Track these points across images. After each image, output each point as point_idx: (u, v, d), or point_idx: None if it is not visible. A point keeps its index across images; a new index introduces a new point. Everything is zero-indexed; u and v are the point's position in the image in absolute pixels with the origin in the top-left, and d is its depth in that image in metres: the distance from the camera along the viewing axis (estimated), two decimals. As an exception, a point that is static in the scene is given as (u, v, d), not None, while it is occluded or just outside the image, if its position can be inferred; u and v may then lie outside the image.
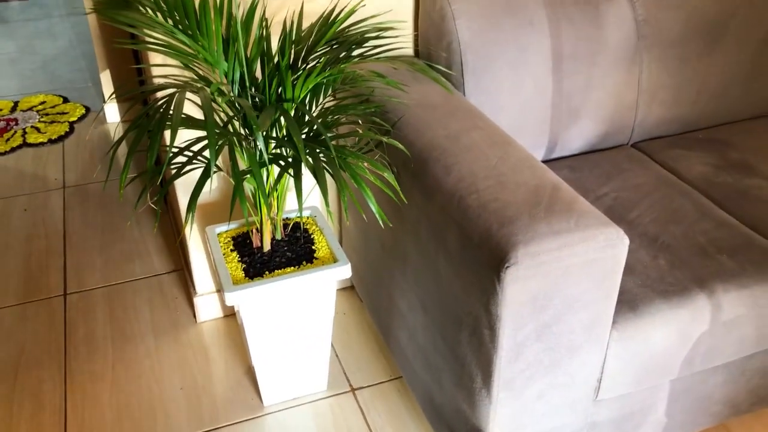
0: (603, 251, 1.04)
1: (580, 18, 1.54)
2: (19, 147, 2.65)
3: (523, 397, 1.14)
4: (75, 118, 2.85)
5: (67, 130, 2.77)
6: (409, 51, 1.64)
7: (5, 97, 3.06)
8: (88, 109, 2.94)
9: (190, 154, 1.30)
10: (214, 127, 1.05)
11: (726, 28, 1.67)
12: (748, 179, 1.54)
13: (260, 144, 1.09)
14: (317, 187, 1.32)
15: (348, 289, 1.94)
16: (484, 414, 1.16)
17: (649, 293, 1.22)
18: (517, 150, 1.22)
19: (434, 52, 1.55)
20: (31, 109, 2.94)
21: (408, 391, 1.62)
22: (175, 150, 1.23)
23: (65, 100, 3.01)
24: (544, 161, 1.64)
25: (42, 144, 2.67)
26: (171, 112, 1.07)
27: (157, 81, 1.49)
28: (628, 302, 1.20)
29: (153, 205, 1.84)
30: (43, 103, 2.99)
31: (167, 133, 1.55)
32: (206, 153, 1.34)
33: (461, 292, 1.13)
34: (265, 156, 1.15)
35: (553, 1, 1.52)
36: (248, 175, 1.29)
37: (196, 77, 1.28)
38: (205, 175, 1.11)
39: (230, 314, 1.86)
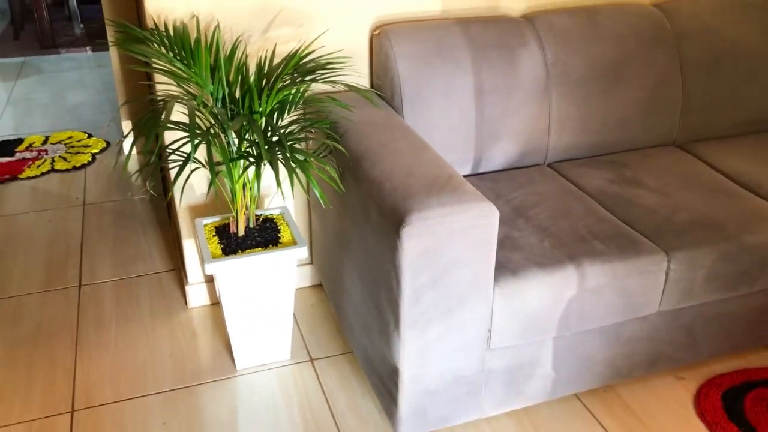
0: (478, 220, 1.40)
1: (498, 59, 1.93)
2: (48, 172, 3.07)
3: (425, 337, 1.48)
4: (97, 150, 3.28)
5: (90, 159, 3.19)
6: (365, 83, 2.04)
7: (38, 133, 3.51)
8: (108, 144, 3.37)
9: (180, 151, 1.69)
10: (195, 126, 1.43)
11: (624, 71, 2.05)
12: (634, 190, 1.90)
13: (232, 140, 1.48)
14: (279, 185, 1.70)
15: (317, 286, 2.29)
16: (396, 352, 1.50)
17: (529, 264, 1.57)
18: (430, 154, 1.60)
19: (382, 84, 1.94)
20: (59, 142, 3.37)
21: (356, 361, 1.95)
22: (169, 146, 1.61)
23: (89, 136, 3.45)
24: (471, 175, 2.01)
25: (67, 170, 3.09)
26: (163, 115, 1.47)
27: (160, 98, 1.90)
28: (511, 269, 1.54)
29: (151, 191, 2.22)
30: (70, 137, 3.43)
31: (167, 135, 1.94)
32: (188, 147, 1.73)
33: (380, 254, 1.49)
34: (234, 151, 1.53)
35: (476, 45, 1.92)
36: (223, 168, 1.67)
37: (188, 94, 1.68)
38: (185, 162, 1.49)
39: (216, 302, 2.21)
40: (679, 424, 1.74)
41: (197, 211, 2.06)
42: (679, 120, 2.16)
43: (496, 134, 1.97)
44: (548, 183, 1.94)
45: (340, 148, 1.66)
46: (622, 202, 1.85)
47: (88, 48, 5.06)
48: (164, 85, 1.86)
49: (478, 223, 1.40)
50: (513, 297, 1.52)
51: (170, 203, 2.63)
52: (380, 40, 1.91)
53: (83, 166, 3.14)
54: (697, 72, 2.14)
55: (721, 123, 2.21)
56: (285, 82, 1.68)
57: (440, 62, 1.89)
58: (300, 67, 1.72)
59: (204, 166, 1.78)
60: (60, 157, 3.21)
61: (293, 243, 1.80)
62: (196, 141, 1.45)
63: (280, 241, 1.82)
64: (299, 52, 1.73)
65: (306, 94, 1.75)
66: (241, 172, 1.66)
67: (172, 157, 1.88)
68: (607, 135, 2.09)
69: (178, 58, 1.66)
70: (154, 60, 1.69)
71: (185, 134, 1.80)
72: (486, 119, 1.95)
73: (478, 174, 2.01)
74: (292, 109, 1.74)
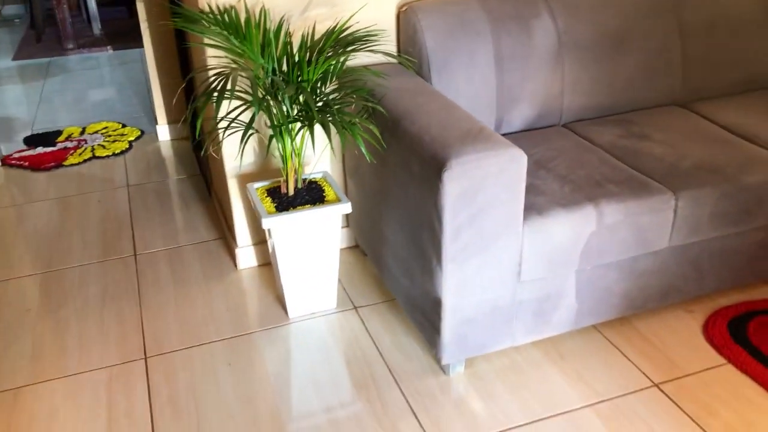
0: (509, 164, 1.60)
1: (515, 30, 2.14)
2: (90, 159, 3.28)
3: (464, 270, 1.69)
4: (133, 138, 3.49)
5: (127, 146, 3.40)
6: (407, 58, 2.25)
7: (74, 125, 3.72)
8: (142, 132, 3.58)
9: (239, 118, 1.89)
10: (257, 95, 1.64)
11: (627, 38, 2.25)
12: (642, 143, 2.10)
13: (287, 103, 1.68)
14: (331, 144, 1.88)
15: (353, 248, 2.49)
16: (439, 285, 1.70)
17: (553, 205, 1.77)
18: (460, 111, 1.80)
19: (409, 55, 2.15)
20: (96, 132, 3.58)
21: (396, 308, 2.16)
22: (226, 115, 1.82)
23: (123, 125, 3.66)
24: (494, 136, 2.21)
25: (108, 156, 3.30)
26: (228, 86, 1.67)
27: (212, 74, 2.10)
28: (537, 209, 1.75)
29: (214, 154, 2.42)
30: (105, 128, 3.64)
31: (222, 108, 2.15)
32: (242, 117, 1.93)
33: (421, 200, 1.69)
34: (288, 110, 1.74)
35: (494, 17, 2.12)
36: (276, 133, 1.88)
37: (243, 69, 1.89)
38: (248, 126, 1.70)
39: (264, 263, 2.42)
40: (690, 349, 1.95)
41: (244, 179, 2.26)
42: (680, 81, 2.36)
43: (515, 98, 2.17)
44: (564, 140, 2.14)
45: (381, 109, 1.86)
46: (631, 152, 2.05)
47: (108, 47, 5.27)
48: (215, 62, 2.06)
49: (509, 167, 1.61)
50: (540, 234, 1.72)
51: (209, 181, 2.84)
52: (407, 15, 2.11)
53: (122, 152, 3.35)
54: (694, 36, 2.34)
55: (719, 82, 2.41)
56: (328, 54, 1.88)
57: (463, 34, 2.09)
58: (339, 40, 1.92)
59: (257, 132, 1.99)
60: (99, 145, 3.42)
61: (337, 200, 2.01)
62: (258, 106, 1.66)
63: (325, 199, 2.02)
64: (337, 28, 1.93)
65: (344, 66, 1.95)
66: (294, 134, 1.87)
67: (224, 125, 2.08)
68: (615, 96, 2.29)
69: (233, 36, 1.86)
70: (210, 37, 1.89)
71: (241, 103, 2.00)
72: (506, 85, 2.15)
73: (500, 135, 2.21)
74: (333, 79, 1.94)
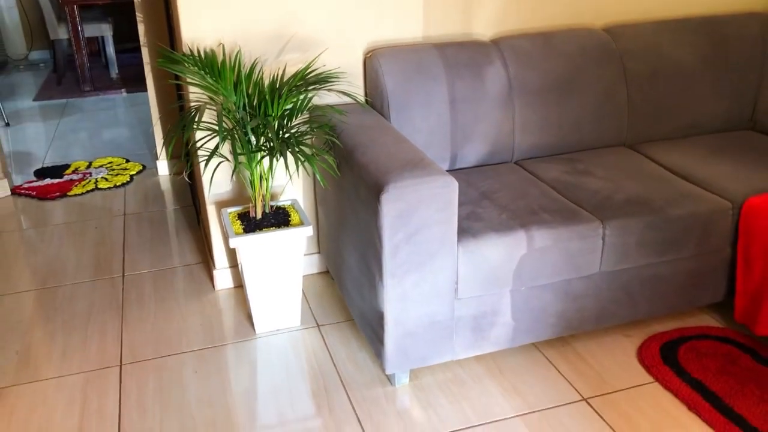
0: (441, 189, 1.80)
1: (468, 75, 2.36)
2: (92, 190, 3.53)
3: (403, 285, 1.86)
4: (135, 172, 3.74)
5: (128, 180, 3.65)
6: (361, 97, 2.47)
7: (82, 159, 3.99)
8: (144, 167, 3.83)
9: (204, 144, 2.11)
10: (222, 126, 1.86)
11: (575, 83, 2.46)
12: (583, 178, 2.29)
13: (250, 133, 1.90)
14: (287, 171, 2.07)
15: (324, 273, 2.68)
16: (381, 298, 1.88)
17: (487, 230, 1.95)
18: (408, 145, 2.01)
19: (373, 96, 2.37)
20: (101, 166, 3.84)
21: (356, 327, 2.33)
22: (198, 142, 2.04)
23: (127, 161, 3.92)
24: (448, 170, 2.41)
25: (109, 188, 3.55)
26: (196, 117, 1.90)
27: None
28: (473, 233, 1.93)
29: (187, 179, 2.64)
30: (110, 162, 3.90)
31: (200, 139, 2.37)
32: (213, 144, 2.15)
33: (367, 222, 1.88)
34: (253, 144, 1.95)
35: (450, 63, 2.35)
36: (243, 159, 2.09)
37: (216, 104, 2.12)
38: (213, 153, 1.92)
39: (239, 285, 2.61)
40: (622, 368, 2.09)
41: (221, 205, 2.47)
42: (626, 124, 2.56)
43: (468, 136, 2.38)
44: (512, 174, 2.33)
45: (337, 142, 2.07)
46: (571, 187, 2.23)
47: (123, 90, 5.60)
48: (195, 96, 2.30)
49: (441, 192, 1.80)
50: (474, 254, 1.90)
51: (199, 210, 3.06)
52: (371, 60, 2.35)
53: (123, 184, 3.59)
54: (639, 84, 2.54)
55: (663, 127, 2.60)
56: (293, 92, 2.11)
57: (420, 78, 2.32)
58: (306, 80, 2.16)
59: (228, 160, 2.20)
60: (102, 178, 3.68)
61: (301, 224, 2.21)
62: (222, 136, 1.88)
63: (290, 223, 2.22)
64: (304, 68, 2.17)
65: (310, 105, 2.17)
66: (256, 163, 2.08)
67: (201, 153, 2.30)
68: (563, 137, 2.49)
69: (209, 75, 2.10)
70: (189, 76, 2.13)
71: (213, 133, 2.23)
72: (459, 124, 2.36)
73: (455, 170, 2.41)
74: (299, 115, 2.16)
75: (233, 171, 1.91)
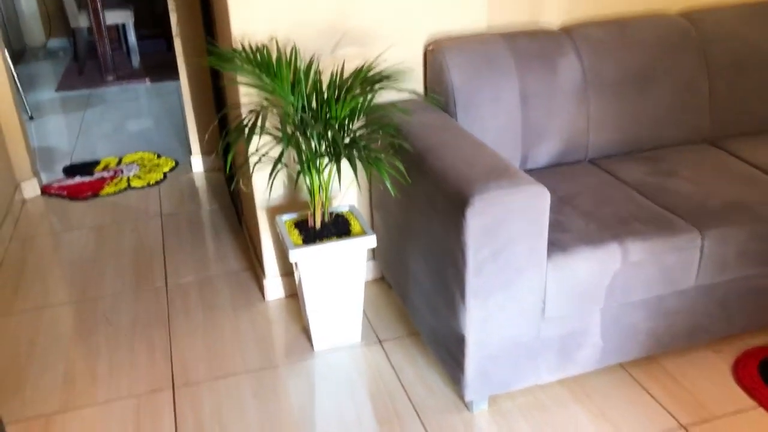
0: (531, 201, 1.62)
1: (540, 68, 2.16)
2: (125, 189, 3.38)
3: (487, 306, 1.69)
4: (168, 169, 3.58)
5: (162, 177, 3.49)
6: (421, 92, 2.29)
7: (112, 155, 3.83)
8: (177, 163, 3.67)
9: (269, 153, 1.94)
10: (286, 132, 1.69)
11: (654, 75, 2.26)
12: (669, 180, 2.10)
13: (315, 140, 1.72)
14: (356, 179, 1.89)
15: (379, 280, 2.51)
16: (462, 321, 1.71)
17: (577, 242, 1.77)
18: (485, 148, 1.83)
19: (436, 93, 2.19)
20: (132, 162, 3.69)
21: (420, 341, 2.17)
22: (257, 151, 1.87)
23: (158, 156, 3.76)
24: (520, 171, 2.22)
25: (143, 187, 3.39)
26: (259, 122, 1.72)
27: (244, 110, 2.16)
28: (561, 246, 1.75)
29: (243, 187, 2.48)
30: (141, 158, 3.74)
31: (252, 143, 2.20)
32: (271, 152, 1.98)
33: (445, 235, 1.71)
34: (319, 149, 1.78)
35: (520, 56, 2.15)
36: (303, 168, 1.92)
37: (273, 106, 1.94)
38: (278, 160, 1.74)
39: (291, 294, 2.45)
40: (719, 390, 1.91)
41: (274, 211, 2.31)
42: (708, 118, 2.35)
43: (540, 134, 2.19)
44: (590, 176, 2.15)
45: (406, 145, 1.89)
46: (659, 190, 2.04)
47: (146, 79, 5.43)
48: (247, 98, 2.12)
49: (532, 204, 1.62)
50: (564, 271, 1.73)
51: (240, 211, 2.90)
52: (434, 54, 2.16)
53: (157, 183, 3.43)
54: (722, 74, 2.34)
55: (748, 120, 2.40)
56: (355, 92, 1.93)
57: (489, 72, 2.13)
58: (367, 79, 1.97)
59: (286, 166, 2.03)
60: (135, 175, 3.52)
61: (363, 233, 2.03)
62: (287, 141, 1.70)
63: (351, 232, 2.05)
64: (365, 67, 1.98)
65: (371, 103, 1.99)
66: (322, 169, 1.91)
67: (254, 159, 2.13)
68: (641, 133, 2.30)
69: (264, 74, 1.92)
70: (243, 75, 1.95)
71: (271, 139, 2.05)
72: (531, 121, 2.17)
73: (526, 171, 2.23)
74: (360, 116, 1.98)
75: (296, 180, 1.75)
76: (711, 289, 1.92)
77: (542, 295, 1.74)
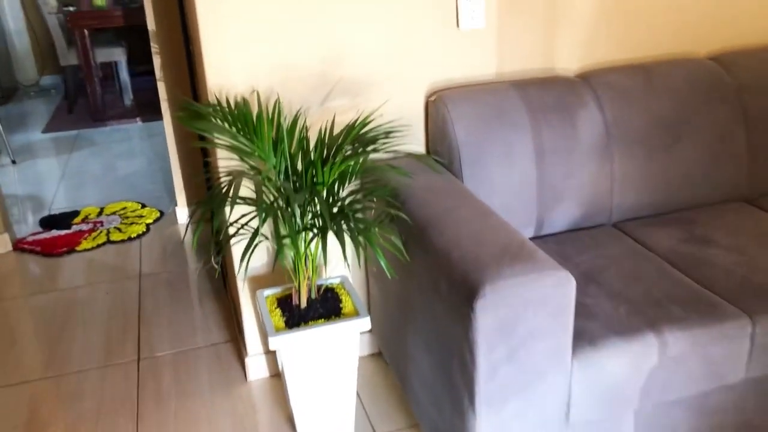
0: (554, 289, 1.35)
1: (557, 121, 1.91)
2: (104, 244, 3.12)
3: (501, 415, 1.42)
4: (151, 220, 3.33)
5: (144, 230, 3.23)
6: (422, 149, 2.03)
7: (93, 204, 3.58)
8: (162, 213, 3.42)
9: (245, 224, 1.68)
10: (262, 201, 1.43)
11: (684, 127, 2.01)
12: (708, 249, 1.83)
13: (297, 214, 1.47)
14: (344, 256, 1.64)
15: (376, 355, 2.24)
16: (471, 428, 1.43)
17: (607, 333, 1.50)
18: (496, 219, 1.56)
19: (440, 149, 1.93)
20: (114, 213, 3.44)
21: (423, 435, 1.88)
22: (233, 221, 1.61)
23: (143, 206, 3.51)
24: (534, 238, 1.96)
25: (123, 241, 3.13)
26: (231, 191, 1.47)
27: (223, 170, 1.91)
28: (589, 339, 1.48)
29: (215, 264, 2.22)
30: (124, 208, 3.49)
31: (227, 209, 1.95)
32: (255, 222, 1.72)
33: (451, 326, 1.44)
34: (300, 224, 1.53)
35: (533, 107, 1.90)
36: (288, 241, 1.66)
37: (251, 168, 1.69)
38: (254, 236, 1.48)
39: (276, 374, 2.17)
40: (774, 500, 1.63)
41: (256, 282, 2.04)
42: (746, 174, 2.09)
43: (558, 196, 1.93)
44: (615, 244, 1.88)
45: (404, 216, 1.63)
46: (695, 262, 1.77)
47: (138, 119, 5.22)
48: (225, 161, 1.87)
49: (555, 293, 1.35)
50: (592, 368, 1.45)
51: (225, 273, 2.63)
52: (436, 105, 1.91)
53: (138, 236, 3.18)
54: (760, 124, 2.08)
55: (790, 176, 2.14)
56: (346, 152, 1.68)
57: (499, 126, 1.87)
58: (360, 137, 1.72)
59: (266, 238, 1.77)
60: (115, 228, 3.27)
61: (355, 313, 1.77)
62: (264, 215, 1.45)
63: (342, 311, 1.78)
64: (357, 122, 1.73)
65: (365, 164, 1.74)
66: (305, 244, 1.65)
67: (233, 230, 1.88)
68: (671, 192, 2.04)
69: (241, 133, 1.67)
70: (216, 135, 1.70)
71: (250, 208, 1.80)
72: (547, 181, 1.91)
73: (542, 236, 1.97)
74: (352, 179, 1.73)
75: (276, 257, 1.49)
76: (763, 382, 1.64)
77: (566, 398, 1.46)
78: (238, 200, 1.58)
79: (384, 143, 1.70)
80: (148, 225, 3.29)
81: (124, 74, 5.64)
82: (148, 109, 5.44)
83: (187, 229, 3.25)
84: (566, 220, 1.96)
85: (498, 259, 1.38)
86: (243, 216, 1.79)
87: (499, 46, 2.01)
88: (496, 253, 1.40)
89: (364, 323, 1.73)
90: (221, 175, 1.82)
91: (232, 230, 1.85)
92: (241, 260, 1.49)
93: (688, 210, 2.07)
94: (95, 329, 2.47)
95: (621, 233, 1.96)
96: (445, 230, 1.53)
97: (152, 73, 6.41)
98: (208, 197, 1.53)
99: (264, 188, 1.75)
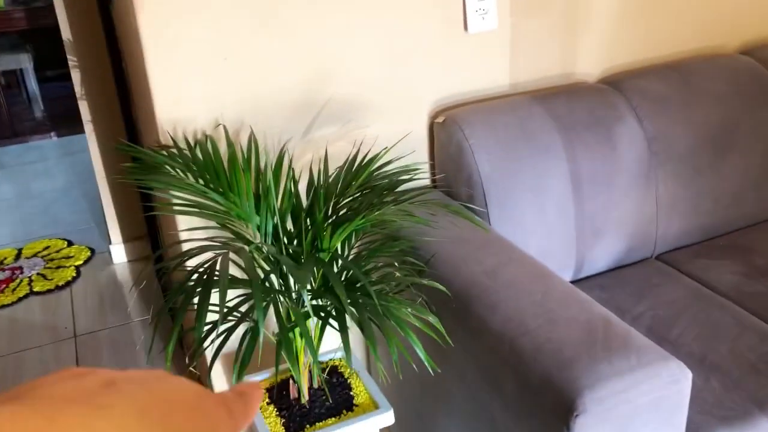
0: (668, 388, 1.01)
1: (593, 141, 1.58)
2: (26, 296, 2.61)
3: None
4: (81, 262, 2.83)
5: (74, 274, 2.74)
6: (426, 182, 1.67)
7: (8, 245, 3.04)
8: (93, 251, 2.93)
9: (236, 314, 1.26)
10: (260, 288, 1.03)
11: (733, 138, 1.71)
12: (780, 285, 1.54)
13: (306, 299, 1.07)
14: (376, 355, 1.26)
15: (379, 424, 1.86)
16: None
17: (710, 420, 1.18)
18: (558, 283, 1.22)
19: (453, 184, 1.57)
20: (35, 255, 2.92)
21: None
22: (224, 310, 1.20)
23: (69, 243, 3.00)
24: (573, 281, 1.63)
25: (49, 291, 2.64)
26: (216, 274, 1.06)
27: (182, 234, 1.49)
28: (693, 433, 1.16)
29: (193, 369, 1.79)
30: (47, 248, 2.97)
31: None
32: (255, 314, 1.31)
33: (522, 438, 1.09)
34: (309, 309, 1.13)
35: (566, 126, 1.56)
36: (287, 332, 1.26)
37: (231, 235, 1.28)
38: (254, 338, 1.08)
39: (260, 464, 1.77)
40: None
41: (227, 359, 1.63)
42: (795, 186, 1.82)
43: (599, 230, 1.60)
44: (671, 286, 1.57)
45: (437, 285, 1.26)
46: (772, 304, 1.48)
47: (52, 133, 4.62)
48: (188, 222, 1.45)
49: (669, 392, 1.02)
50: (702, 473, 1.13)
51: (182, 330, 2.19)
52: (447, 129, 1.54)
53: (67, 284, 2.68)
54: (810, 129, 1.81)
55: (840, 184, 1.88)
56: (353, 205, 1.29)
57: (527, 152, 1.52)
58: (370, 179, 1.33)
59: (252, 321, 1.37)
60: (38, 274, 2.75)
61: (372, 405, 1.39)
62: (262, 309, 1.05)
63: (354, 402, 1.40)
64: (365, 161, 1.34)
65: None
66: (312, 332, 1.26)
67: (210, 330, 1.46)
68: (720, 214, 1.74)
69: (211, 186, 1.26)
70: (175, 190, 1.27)
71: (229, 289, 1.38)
72: (587, 214, 1.58)
73: (581, 279, 1.63)
74: (359, 236, 1.35)
75: (279, 349, 1.10)
76: None
77: None
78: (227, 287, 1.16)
79: (405, 191, 1.32)
80: (77, 268, 2.79)
81: (32, 82, 5.01)
82: (64, 121, 4.83)
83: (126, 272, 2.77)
84: (608, 258, 1.64)
85: (587, 349, 1.04)
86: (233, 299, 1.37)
87: (513, 51, 1.66)
88: (580, 340, 1.05)
89: (387, 418, 1.36)
90: (182, 241, 1.40)
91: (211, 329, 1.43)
92: (235, 363, 1.09)
93: (735, 232, 1.79)
94: (25, 417, 1.99)
95: (671, 269, 1.65)
96: (497, 302, 1.17)
97: (66, 78, 5.76)
98: (177, 289, 1.11)
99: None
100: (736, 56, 1.82)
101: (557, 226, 1.55)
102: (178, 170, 1.29)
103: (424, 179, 1.66)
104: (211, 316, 1.16)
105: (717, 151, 1.70)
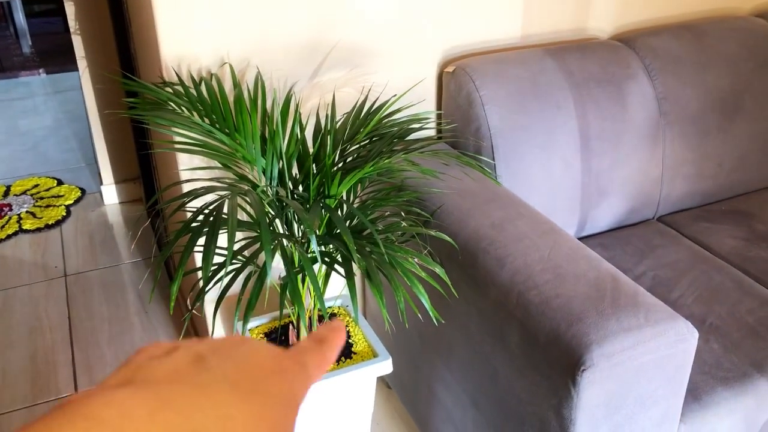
0: (674, 346, 1.01)
1: (604, 98, 1.55)
2: (15, 234, 2.58)
3: (594, 500, 1.09)
4: (71, 201, 2.79)
5: (64, 214, 2.70)
6: (431, 132, 1.64)
7: (-4, 182, 2.99)
8: (83, 191, 2.88)
9: (240, 258, 1.24)
10: (268, 231, 1.01)
11: (742, 101, 1.70)
12: (780, 251, 1.55)
13: (314, 243, 1.05)
14: (382, 305, 1.25)
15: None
16: None
17: (709, 381, 1.19)
18: (566, 239, 1.21)
19: (460, 136, 1.54)
20: (24, 193, 2.87)
21: (448, 484, 1.55)
22: (227, 254, 1.18)
23: (59, 183, 2.95)
24: (575, 240, 1.62)
25: (39, 230, 2.60)
26: (225, 215, 1.04)
27: (183, 174, 1.46)
28: (691, 392, 1.17)
29: (195, 311, 1.78)
30: (36, 186, 2.93)
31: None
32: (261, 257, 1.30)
33: (524, 392, 1.09)
34: (318, 254, 1.12)
35: (577, 82, 1.54)
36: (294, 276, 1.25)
37: (234, 176, 1.25)
38: (260, 281, 1.07)
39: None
40: None
41: (228, 302, 1.62)
42: (800, 154, 1.82)
43: (604, 189, 1.59)
44: (673, 247, 1.57)
45: (444, 237, 1.25)
46: (773, 270, 1.49)
47: (41, 70, 4.51)
48: (188, 160, 1.42)
49: (675, 350, 1.02)
50: (699, 430, 1.14)
51: (174, 269, 2.18)
52: (457, 79, 1.51)
53: (57, 223, 2.65)
54: (819, 96, 1.80)
55: (844, 154, 1.88)
56: (361, 152, 1.26)
57: (538, 107, 1.50)
58: (379, 127, 1.31)
59: (256, 267, 1.35)
60: (28, 212, 2.71)
61: (371, 353, 1.39)
62: (270, 252, 1.03)
63: (353, 350, 1.40)
64: (374, 107, 1.31)
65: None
66: (317, 276, 1.24)
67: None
68: (723, 178, 1.74)
69: (217, 126, 1.22)
70: (179, 126, 1.24)
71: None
72: (593, 172, 1.56)
73: (583, 237, 1.63)
74: (365, 185, 1.32)
75: (282, 294, 1.08)
76: None
77: (668, 470, 1.15)
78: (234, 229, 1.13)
79: (415, 140, 1.30)
80: (67, 207, 2.76)
81: (19, 16, 4.86)
82: (53, 58, 4.72)
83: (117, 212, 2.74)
84: (611, 217, 1.63)
85: (595, 305, 1.03)
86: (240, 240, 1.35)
87: (526, 2, 1.61)
88: (588, 296, 1.05)
89: (385, 366, 1.36)
90: (182, 181, 1.37)
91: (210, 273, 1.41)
92: (237, 306, 1.08)
93: (736, 198, 1.78)
94: (18, 353, 1.98)
95: (672, 231, 1.65)
96: (505, 256, 1.16)
97: (55, 14, 5.59)
98: (184, 228, 1.09)
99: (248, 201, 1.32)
100: (750, 18, 1.79)
101: (563, 183, 1.54)
102: (183, 108, 1.25)
103: (429, 129, 1.63)
104: (215, 260, 1.14)
105: (725, 114, 1.68)
